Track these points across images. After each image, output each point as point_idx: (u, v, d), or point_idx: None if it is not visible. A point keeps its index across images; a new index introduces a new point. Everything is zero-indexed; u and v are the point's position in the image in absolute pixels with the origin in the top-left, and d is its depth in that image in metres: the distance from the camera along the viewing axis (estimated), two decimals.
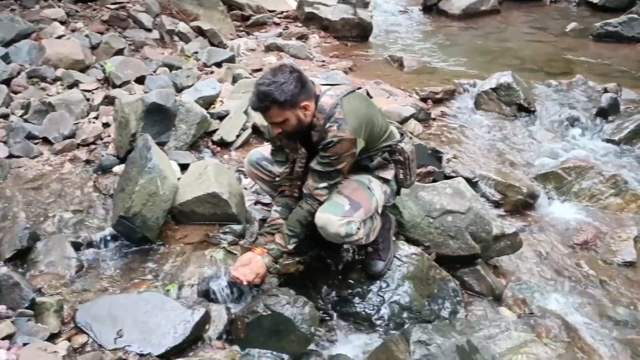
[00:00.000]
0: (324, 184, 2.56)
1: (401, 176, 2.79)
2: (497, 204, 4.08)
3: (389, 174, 2.76)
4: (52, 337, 2.48)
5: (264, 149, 2.93)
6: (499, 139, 4.93)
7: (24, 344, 2.37)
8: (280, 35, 6.69)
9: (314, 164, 2.56)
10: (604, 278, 3.59)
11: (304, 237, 2.87)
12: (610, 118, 5.23)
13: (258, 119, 4.12)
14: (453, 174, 4.00)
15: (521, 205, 4.12)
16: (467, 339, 2.57)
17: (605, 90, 5.46)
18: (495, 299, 3.21)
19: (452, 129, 4.92)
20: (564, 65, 6.40)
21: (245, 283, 2.58)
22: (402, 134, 2.83)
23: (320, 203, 2.59)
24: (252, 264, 2.57)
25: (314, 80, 2.64)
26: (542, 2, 9.17)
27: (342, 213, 2.56)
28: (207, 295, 2.78)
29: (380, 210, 2.77)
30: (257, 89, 2.46)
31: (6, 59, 4.59)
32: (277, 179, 2.80)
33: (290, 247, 2.63)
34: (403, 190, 2.93)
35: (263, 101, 2.45)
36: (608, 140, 5.02)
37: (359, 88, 4.72)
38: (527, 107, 5.22)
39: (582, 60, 6.57)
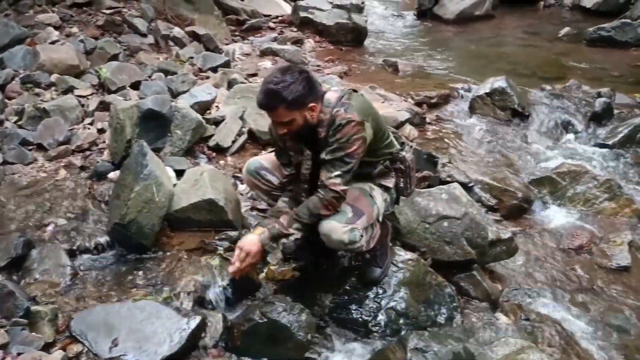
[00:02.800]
0: (337, 172, 2.48)
1: (401, 185, 2.80)
2: (492, 209, 4.09)
3: (390, 182, 2.77)
4: (47, 347, 2.46)
5: (263, 158, 2.91)
6: (494, 144, 4.95)
7: (18, 354, 2.36)
8: (275, 39, 6.70)
9: (324, 155, 2.50)
10: (598, 283, 3.60)
11: (298, 246, 2.86)
12: (604, 122, 5.27)
13: (254, 124, 4.12)
14: (448, 179, 4.00)
15: (516, 210, 4.13)
16: (463, 346, 2.57)
17: (599, 95, 5.49)
18: (491, 305, 3.21)
19: (447, 134, 4.94)
20: (557, 70, 6.43)
21: (238, 266, 2.55)
22: (402, 143, 2.83)
23: (337, 193, 2.50)
24: (245, 245, 2.55)
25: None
26: (536, 7, 9.24)
27: (346, 220, 2.55)
28: (203, 302, 2.78)
29: (380, 218, 2.77)
30: (265, 87, 2.44)
31: (0, 64, 4.57)
32: (283, 180, 2.77)
33: (292, 230, 2.55)
34: (400, 198, 2.93)
35: (270, 100, 2.43)
36: (602, 145, 5.04)
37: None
38: (521, 112, 5.24)
39: (576, 65, 6.61)
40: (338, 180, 2.49)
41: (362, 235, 2.59)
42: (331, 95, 2.54)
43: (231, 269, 2.60)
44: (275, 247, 2.72)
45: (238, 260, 2.56)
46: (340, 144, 2.47)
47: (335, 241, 2.56)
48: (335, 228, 2.53)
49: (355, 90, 2.64)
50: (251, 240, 2.57)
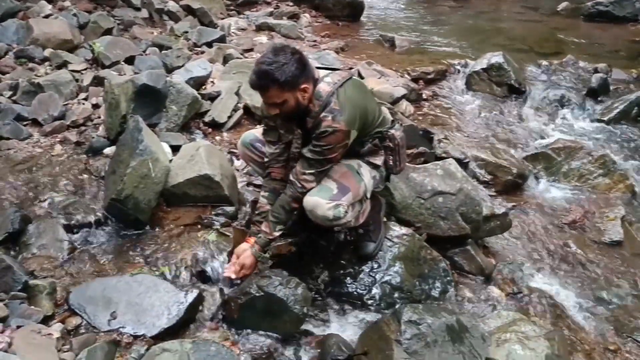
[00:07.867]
0: (312, 171, 2.57)
1: (390, 162, 2.80)
2: (487, 185, 4.11)
3: (378, 160, 2.78)
4: (46, 320, 2.50)
5: (257, 131, 2.92)
6: (490, 120, 4.95)
7: (18, 327, 2.39)
8: (271, 14, 6.63)
9: (305, 151, 2.56)
10: (591, 257, 3.65)
11: (293, 221, 2.88)
12: (600, 98, 5.27)
13: (250, 99, 4.10)
14: (444, 155, 4.02)
15: (511, 186, 4.15)
16: (456, 318, 2.61)
17: (596, 71, 5.49)
18: (485, 279, 3.25)
19: (443, 110, 4.93)
20: (554, 45, 6.39)
21: (234, 278, 2.67)
22: (393, 120, 2.83)
23: (305, 189, 2.58)
24: (241, 257, 2.65)
25: (312, 63, 2.63)
26: None
27: (330, 196, 2.58)
28: (200, 276, 2.81)
29: (369, 195, 2.79)
30: (258, 67, 2.44)
31: None
32: (265, 159, 2.79)
33: (276, 233, 2.66)
34: (393, 175, 2.94)
35: (263, 80, 2.42)
36: (598, 121, 5.06)
37: (351, 69, 4.72)
38: (517, 88, 5.24)
39: (573, 40, 6.57)
40: (311, 178, 2.58)
41: (347, 212, 2.61)
42: (323, 88, 2.51)
43: (227, 273, 2.69)
44: (267, 256, 2.83)
45: (233, 272, 2.65)
46: (323, 149, 2.52)
47: (319, 217, 2.59)
48: (320, 204, 2.56)
49: (349, 78, 2.60)
50: (245, 253, 2.64)
